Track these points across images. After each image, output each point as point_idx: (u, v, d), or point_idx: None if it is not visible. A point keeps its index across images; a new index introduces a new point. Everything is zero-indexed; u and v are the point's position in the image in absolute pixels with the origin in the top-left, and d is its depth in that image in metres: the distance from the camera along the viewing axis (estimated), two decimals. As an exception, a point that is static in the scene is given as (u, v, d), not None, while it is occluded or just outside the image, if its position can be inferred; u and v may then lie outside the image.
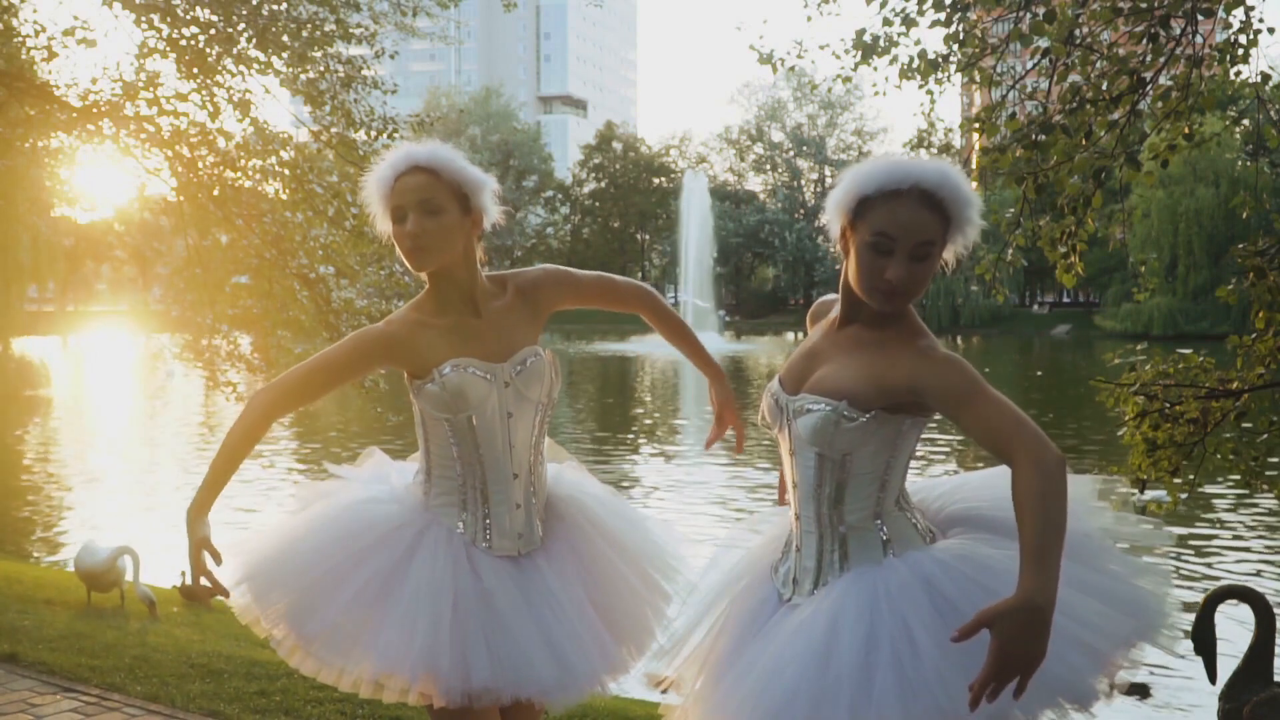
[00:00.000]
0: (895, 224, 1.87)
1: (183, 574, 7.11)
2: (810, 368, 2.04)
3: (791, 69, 6.11)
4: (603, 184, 73.68)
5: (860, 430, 1.91)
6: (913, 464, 2.02)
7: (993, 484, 2.05)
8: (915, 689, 1.75)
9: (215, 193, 7.18)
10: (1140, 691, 5.96)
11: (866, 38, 5.15)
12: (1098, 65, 4.68)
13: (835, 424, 1.91)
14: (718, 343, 44.61)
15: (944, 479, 2.18)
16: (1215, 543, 9.77)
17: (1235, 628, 5.65)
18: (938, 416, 1.94)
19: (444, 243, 2.19)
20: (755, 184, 74.57)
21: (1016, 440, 1.71)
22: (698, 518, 10.68)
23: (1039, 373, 31.66)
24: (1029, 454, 1.68)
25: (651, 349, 42.53)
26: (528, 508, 2.28)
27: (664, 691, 2.20)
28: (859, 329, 2.00)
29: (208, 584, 2.08)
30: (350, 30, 7.52)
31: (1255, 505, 10.92)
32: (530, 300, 2.33)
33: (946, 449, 15.06)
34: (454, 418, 2.20)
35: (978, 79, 4.98)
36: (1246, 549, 9.67)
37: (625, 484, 12.67)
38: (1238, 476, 5.21)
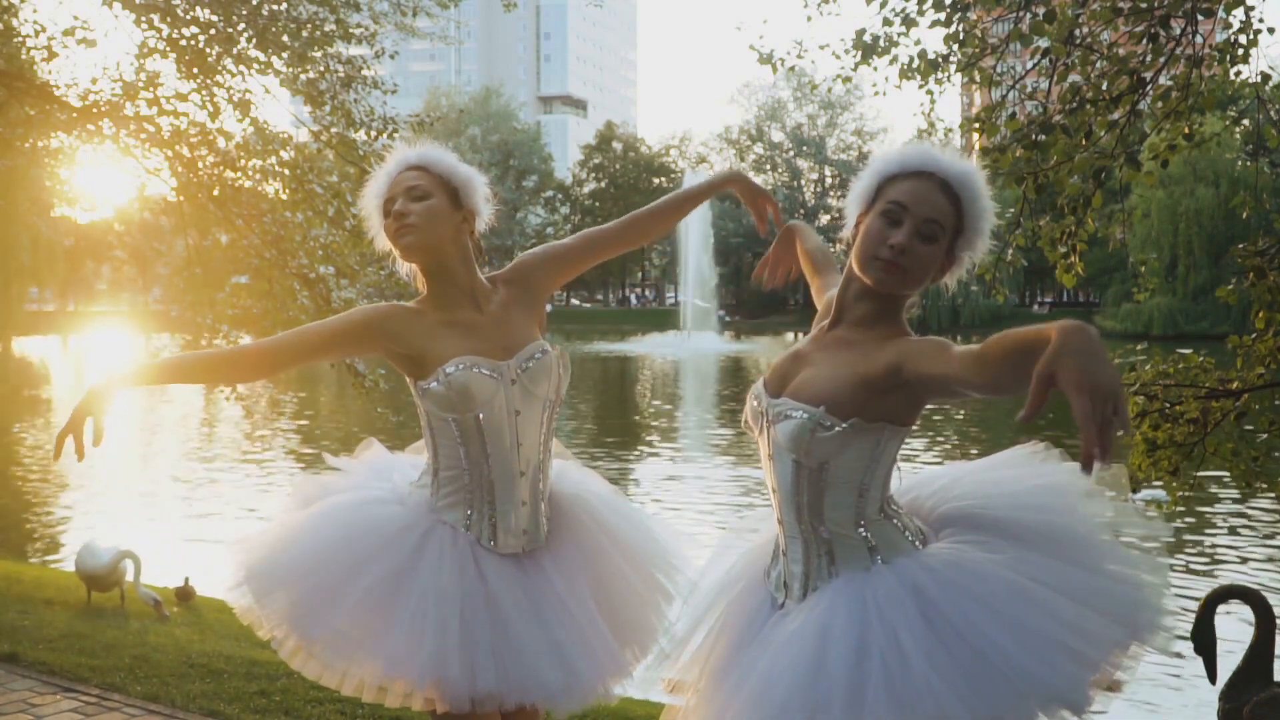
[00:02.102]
0: (910, 196, 1.91)
1: (186, 579, 7.10)
2: (794, 370, 2.03)
3: (791, 69, 6.12)
4: (603, 184, 73.58)
5: (837, 439, 1.89)
6: (912, 464, 2.01)
7: (987, 480, 2.04)
8: (906, 700, 1.74)
9: (215, 193, 7.17)
10: (1111, 687, 5.93)
11: (866, 38, 5.16)
12: (1098, 65, 4.68)
13: (811, 432, 1.89)
14: (717, 343, 44.59)
15: (938, 472, 2.16)
16: (1215, 543, 9.78)
17: (1235, 628, 5.65)
18: (923, 426, 1.92)
19: (430, 226, 2.20)
20: (755, 184, 74.40)
21: (981, 345, 1.68)
22: (698, 517, 10.68)
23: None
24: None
25: (651, 349, 42.49)
26: (534, 505, 2.26)
27: (670, 692, 2.19)
28: (846, 329, 2.00)
29: (73, 444, 1.94)
30: (350, 30, 7.52)
31: (1255, 505, 10.92)
32: (522, 287, 2.33)
33: (946, 449, 15.07)
34: (461, 417, 2.18)
35: (978, 79, 4.99)
36: (1246, 549, 9.67)
37: (625, 484, 12.66)
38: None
